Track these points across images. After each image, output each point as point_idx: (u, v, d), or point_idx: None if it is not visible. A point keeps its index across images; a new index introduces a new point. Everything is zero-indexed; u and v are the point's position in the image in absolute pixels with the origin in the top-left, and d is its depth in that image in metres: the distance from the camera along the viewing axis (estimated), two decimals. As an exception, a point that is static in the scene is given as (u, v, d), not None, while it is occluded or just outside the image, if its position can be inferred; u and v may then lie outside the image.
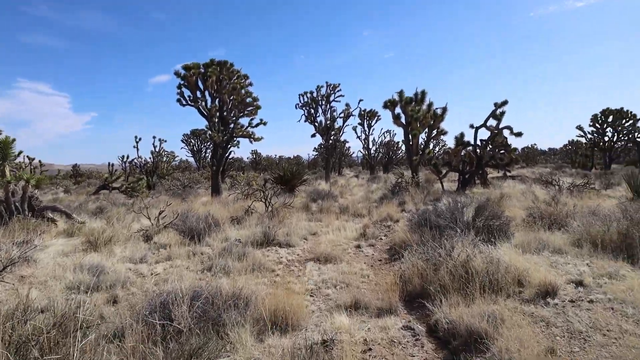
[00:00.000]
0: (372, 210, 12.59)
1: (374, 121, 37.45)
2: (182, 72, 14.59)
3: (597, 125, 33.59)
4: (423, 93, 16.24)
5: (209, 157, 42.17)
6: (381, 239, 8.89)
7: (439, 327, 3.97)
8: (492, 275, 4.61)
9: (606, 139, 33.21)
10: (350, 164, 60.24)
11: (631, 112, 32.40)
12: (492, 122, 16.51)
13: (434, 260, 5.21)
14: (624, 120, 32.63)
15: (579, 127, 34.46)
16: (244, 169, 51.81)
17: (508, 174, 17.42)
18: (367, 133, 37.82)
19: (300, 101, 29.52)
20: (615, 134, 32.91)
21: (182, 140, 43.81)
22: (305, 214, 12.28)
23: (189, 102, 15.00)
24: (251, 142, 16.44)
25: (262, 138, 16.21)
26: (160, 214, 8.87)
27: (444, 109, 16.19)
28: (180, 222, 8.01)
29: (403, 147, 40.18)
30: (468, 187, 16.83)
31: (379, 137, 39.41)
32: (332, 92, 29.01)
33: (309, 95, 29.28)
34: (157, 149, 36.44)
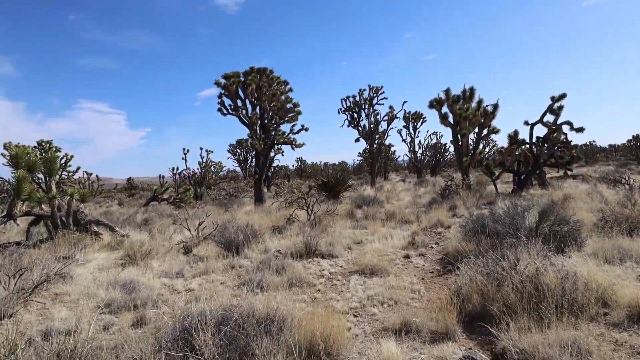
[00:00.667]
0: (420, 216, 11.86)
1: (419, 123, 36.38)
2: (222, 81, 14.53)
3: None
4: (472, 90, 15.29)
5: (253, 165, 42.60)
6: (432, 247, 8.19)
7: (507, 358, 3.32)
8: (570, 293, 3.87)
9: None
10: (397, 168, 59.03)
11: None
12: (549, 118, 15.31)
13: (495, 274, 4.52)
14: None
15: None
16: (289, 177, 52.05)
17: (569, 173, 16.05)
18: (412, 136, 36.76)
19: (342, 106, 29.07)
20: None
21: (228, 151, 44.59)
22: (349, 221, 11.74)
23: (230, 111, 14.92)
24: (293, 148, 16.14)
25: (303, 144, 15.89)
26: (199, 225, 8.65)
27: (495, 106, 15.16)
28: (218, 234, 7.71)
29: (451, 149, 38.71)
30: (524, 188, 15.66)
31: (425, 140, 38.23)
32: (374, 95, 28.35)
33: (351, 99, 28.77)
34: (204, 160, 37.32)
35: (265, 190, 34.09)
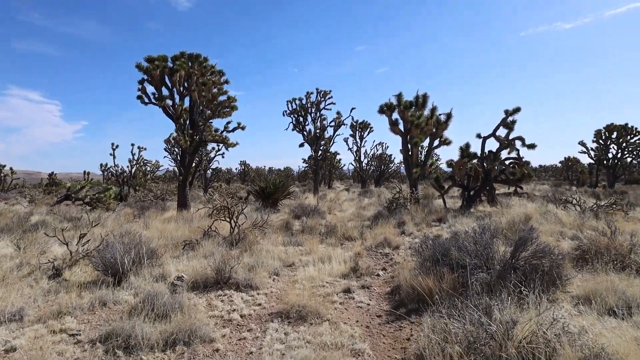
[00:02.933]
0: (365, 233, 10.38)
1: (366, 133, 35.63)
2: (145, 64, 12.37)
3: (600, 141, 31.92)
4: (424, 97, 14.18)
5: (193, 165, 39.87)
6: (378, 275, 6.65)
7: None
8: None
9: (610, 155, 31.51)
10: (341, 176, 58.28)
11: (636, 128, 30.80)
12: (502, 132, 14.51)
13: (480, 340, 2.99)
14: (629, 137, 31.01)
15: (582, 143, 32.76)
16: (230, 181, 49.52)
17: (520, 190, 15.34)
18: (359, 145, 35.90)
19: (288, 108, 27.39)
20: (620, 150, 31.23)
21: (165, 149, 41.46)
22: (283, 235, 10.02)
23: (152, 100, 12.74)
24: (226, 148, 14.22)
25: (237, 144, 13.96)
26: (81, 238, 6.54)
27: (449, 115, 14.13)
28: (99, 253, 5.68)
29: (396, 160, 38.34)
30: (473, 204, 14.74)
31: (371, 150, 37.43)
32: (322, 99, 26.94)
33: (297, 102, 27.17)
34: (134, 157, 34.19)
35: (203, 194, 31.60)
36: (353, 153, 35.84)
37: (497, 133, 14.39)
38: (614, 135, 31.43)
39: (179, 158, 38.46)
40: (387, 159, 38.70)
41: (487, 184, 14.61)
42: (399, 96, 14.21)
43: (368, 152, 36.94)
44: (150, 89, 13.14)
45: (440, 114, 14.13)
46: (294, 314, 4.55)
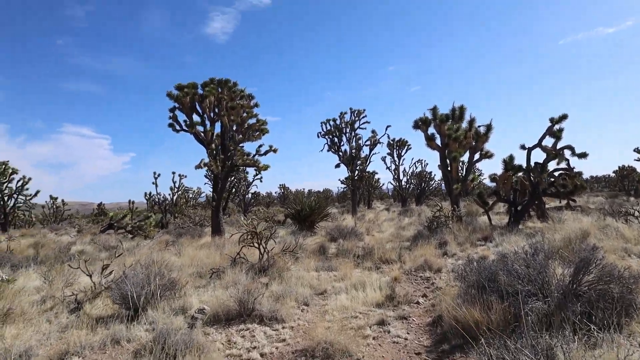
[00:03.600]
0: (403, 254, 9.71)
1: (403, 150, 34.87)
2: (175, 92, 12.47)
3: (657, 147, 29.62)
4: (462, 109, 13.47)
5: (233, 190, 40.44)
6: (418, 303, 6.01)
7: None
8: None
9: (670, 162, 29.10)
10: (382, 196, 57.28)
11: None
12: (548, 142, 13.53)
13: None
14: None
15: (637, 150, 30.49)
16: (269, 204, 49.73)
17: (572, 204, 14.18)
18: (397, 163, 35.14)
19: (322, 129, 27.24)
20: (681, 156, 28.81)
21: (205, 176, 42.21)
22: (316, 260, 9.53)
23: (183, 128, 12.78)
24: (258, 171, 14.03)
25: (268, 167, 13.74)
26: (104, 269, 6.33)
27: (489, 127, 13.32)
28: (117, 285, 5.41)
29: (436, 177, 37.19)
30: (521, 221, 13.72)
31: (409, 167, 36.52)
32: (356, 118, 26.64)
33: (332, 122, 26.99)
34: (175, 185, 35.00)
35: (242, 218, 31.72)
36: (391, 172, 35.11)
37: (543, 143, 13.42)
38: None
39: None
40: (427, 176, 37.65)
41: (535, 197, 13.58)
42: (434, 110, 13.59)
43: (407, 170, 36.02)
44: (181, 116, 13.22)
45: (479, 126, 13.37)
46: (320, 353, 4.03)
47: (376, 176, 41.76)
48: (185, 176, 34.34)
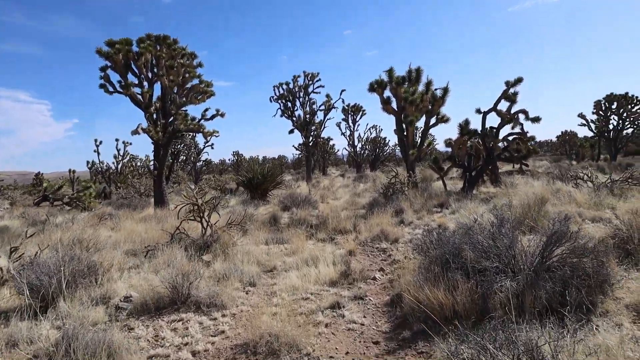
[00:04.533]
0: (359, 224, 9.26)
1: (358, 116, 34.42)
2: (105, 49, 11.06)
3: (600, 112, 30.80)
4: (418, 71, 12.92)
5: (182, 158, 38.70)
6: (375, 279, 5.54)
7: None
8: None
9: (611, 126, 30.42)
10: (337, 162, 57.06)
11: (637, 97, 29.68)
12: (502, 106, 13.35)
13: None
14: (629, 106, 29.89)
15: (581, 115, 31.61)
16: (222, 172, 48.24)
17: (525, 168, 14.25)
18: (352, 129, 34.70)
19: (275, 93, 26.07)
20: (621, 121, 30.14)
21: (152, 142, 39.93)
22: (267, 231, 8.90)
23: (117, 89, 11.45)
24: (204, 137, 12.96)
25: (215, 132, 12.69)
26: (12, 252, 5.36)
27: (446, 90, 12.89)
28: (18, 274, 4.50)
29: (390, 142, 37.20)
30: (475, 186, 13.65)
31: (364, 133, 36.11)
32: (310, 82, 25.64)
33: (284, 86, 25.85)
34: (120, 153, 32.97)
35: (192, 186, 30.34)
36: (346, 137, 34.66)
37: (498, 107, 13.23)
38: (614, 105, 30.30)
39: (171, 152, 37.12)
40: (381, 142, 37.54)
41: (489, 162, 13.49)
42: (390, 72, 12.97)
43: (362, 136, 35.71)
44: (116, 77, 11.84)
45: (436, 89, 12.92)
46: (264, 348, 3.43)
47: (331, 142, 41.30)
48: (130, 143, 32.25)
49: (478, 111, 13.50)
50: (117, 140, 32.12)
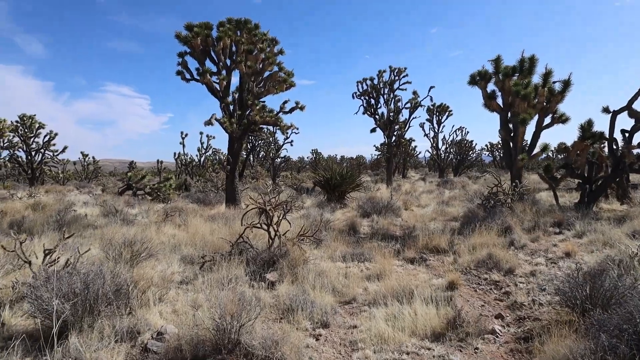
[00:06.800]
0: (456, 242, 7.58)
1: (444, 117, 32.04)
2: (184, 33, 10.41)
3: None
4: (532, 60, 10.74)
5: (262, 154, 38.81)
6: (494, 332, 3.94)
7: None
8: None
9: None
10: (416, 165, 54.52)
11: None
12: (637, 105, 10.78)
13: None
14: None
15: None
16: (301, 170, 48.02)
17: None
18: (436, 130, 32.39)
19: (358, 89, 24.66)
20: None
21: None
22: (344, 243, 7.55)
23: (194, 76, 10.78)
24: (282, 132, 11.92)
25: (292, 126, 11.56)
26: (46, 255, 4.53)
27: (567, 83, 10.57)
28: (30, 291, 3.55)
29: (477, 147, 34.28)
30: (595, 201, 11.20)
31: (449, 135, 33.43)
32: (396, 78, 23.87)
33: (368, 82, 24.35)
34: (203, 146, 33.69)
35: (270, 182, 29.98)
36: (430, 139, 32.42)
37: (634, 105, 10.68)
38: None
39: (251, 147, 37.36)
40: (467, 146, 34.71)
41: (617, 174, 10.98)
42: (497, 61, 10.94)
43: (446, 138, 33.16)
44: (194, 64, 11.21)
45: (554, 82, 10.68)
46: None
47: (413, 143, 39.11)
48: (214, 137, 32.70)
49: (606, 110, 11.02)
50: (201, 133, 32.80)
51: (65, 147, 31.37)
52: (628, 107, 10.86)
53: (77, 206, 13.51)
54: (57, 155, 31.08)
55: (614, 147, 11.07)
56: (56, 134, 29.85)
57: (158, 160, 35.50)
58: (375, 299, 4.73)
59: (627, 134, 10.92)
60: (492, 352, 3.55)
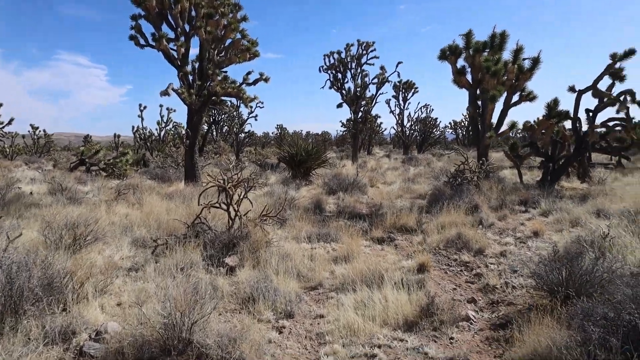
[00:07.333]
0: (424, 220, 7.40)
1: (410, 94, 31.93)
2: (138, -6, 9.52)
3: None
4: (503, 36, 10.53)
5: (225, 129, 37.67)
6: (468, 319, 3.72)
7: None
8: None
9: None
10: (380, 142, 54.69)
11: None
12: (602, 85, 10.88)
13: None
14: None
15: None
16: (265, 145, 47.12)
17: (626, 162, 11.77)
18: (402, 107, 32.28)
19: (325, 63, 24.07)
20: None
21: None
22: (310, 222, 7.20)
23: (149, 42, 9.93)
24: (244, 104, 11.29)
25: (256, 98, 10.94)
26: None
27: (536, 60, 10.45)
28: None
29: (441, 124, 34.69)
30: (558, 179, 11.35)
31: (415, 113, 33.40)
32: (364, 52, 23.42)
33: (335, 55, 23.78)
34: (164, 119, 32.12)
35: (233, 158, 29.11)
36: (395, 116, 32.33)
37: (599, 85, 10.76)
38: None
39: (213, 120, 36.08)
40: (431, 123, 34.98)
41: (580, 152, 11.12)
42: (468, 35, 10.67)
43: (411, 115, 33.19)
44: (150, 29, 10.31)
45: (524, 59, 10.55)
46: None
47: (378, 120, 39.06)
48: (174, 110, 31.25)
49: (572, 89, 11.06)
50: (161, 106, 31.17)
51: (11, 119, 29.13)
52: (593, 87, 10.94)
53: (23, 183, 12.50)
54: (3, 128, 28.98)
55: (578, 126, 11.18)
56: (0, 104, 27.70)
57: (115, 134, 33.72)
58: (343, 283, 4.43)
59: (591, 114, 11.03)
60: (467, 342, 3.32)
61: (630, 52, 10.35)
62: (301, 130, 55.28)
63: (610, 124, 10.80)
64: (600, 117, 11.18)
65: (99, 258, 4.79)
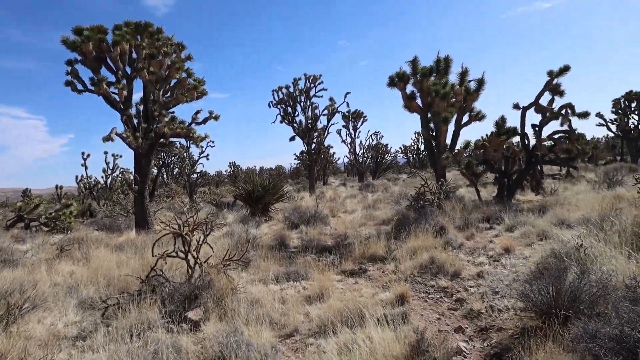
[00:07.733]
0: (393, 247, 7.18)
1: (359, 122, 32.65)
2: (72, 37, 9.00)
3: (619, 111, 29.04)
4: (447, 60, 10.88)
5: (177, 171, 36.65)
6: (461, 352, 3.44)
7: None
8: None
9: (632, 126, 28.64)
10: (334, 171, 55.11)
11: (658, 94, 27.95)
12: (543, 100, 11.39)
13: None
14: (650, 104, 28.13)
15: (599, 115, 29.74)
16: (219, 184, 46.06)
17: (573, 171, 12.23)
18: (352, 136, 32.83)
19: (274, 98, 24.07)
20: (640, 119, 28.40)
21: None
22: (276, 261, 6.78)
23: (87, 87, 9.36)
24: (195, 144, 10.85)
25: (207, 137, 10.43)
26: None
27: (481, 82, 10.83)
28: None
29: (392, 150, 35.51)
30: (514, 194, 11.61)
31: (366, 140, 33.90)
32: (312, 85, 23.65)
33: (284, 90, 23.86)
34: (109, 166, 30.67)
35: (187, 200, 28.08)
36: (347, 145, 32.75)
37: (541, 100, 11.24)
38: (634, 104, 28.51)
39: (163, 163, 34.92)
40: (383, 149, 35.71)
41: (532, 165, 11.46)
42: (414, 62, 10.92)
43: (363, 143, 33.77)
44: (88, 73, 9.76)
45: (470, 81, 10.88)
46: None
47: (331, 150, 39.50)
48: (121, 156, 29.92)
49: (516, 107, 11.49)
50: (105, 152, 29.78)
51: None
52: (535, 103, 11.41)
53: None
54: None
55: (526, 141, 11.57)
56: None
57: (57, 186, 31.83)
58: (320, 326, 4.05)
59: (537, 128, 11.45)
60: (466, 380, 3.03)
61: (565, 69, 10.93)
62: (255, 166, 54.73)
63: (556, 136, 11.25)
64: (547, 131, 11.67)
65: (39, 328, 4.16)
